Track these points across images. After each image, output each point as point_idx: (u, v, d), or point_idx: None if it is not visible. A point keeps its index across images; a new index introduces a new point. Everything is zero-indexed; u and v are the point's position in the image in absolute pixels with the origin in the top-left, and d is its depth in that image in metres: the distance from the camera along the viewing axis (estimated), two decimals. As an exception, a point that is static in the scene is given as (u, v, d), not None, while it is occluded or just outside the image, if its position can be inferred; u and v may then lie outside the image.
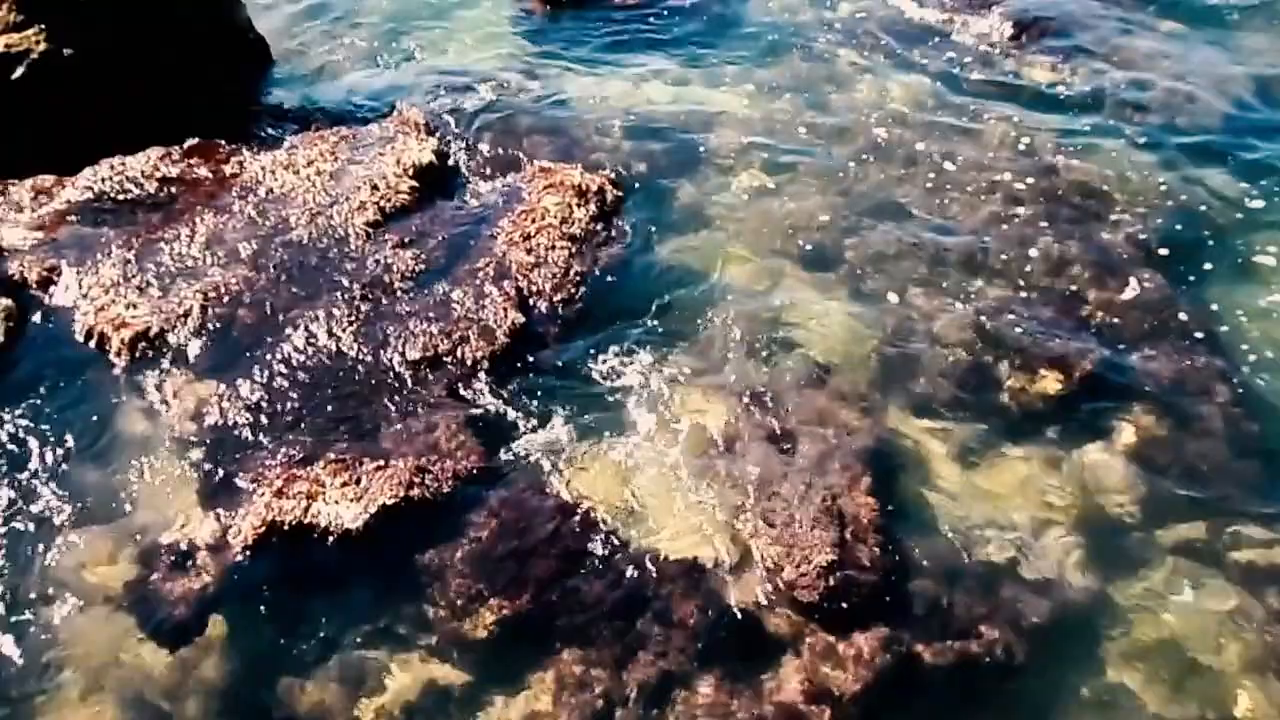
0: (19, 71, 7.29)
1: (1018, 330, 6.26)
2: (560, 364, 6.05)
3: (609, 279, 6.55)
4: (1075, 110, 8.28)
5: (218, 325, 6.03)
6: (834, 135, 7.97)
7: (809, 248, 6.92)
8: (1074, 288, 6.61)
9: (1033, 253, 6.84)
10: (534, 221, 6.69)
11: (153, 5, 7.61)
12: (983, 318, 6.35)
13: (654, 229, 6.99)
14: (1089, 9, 9.51)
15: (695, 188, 7.40)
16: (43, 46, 7.32)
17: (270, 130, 7.84)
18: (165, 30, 7.69)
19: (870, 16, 9.49)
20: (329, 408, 5.66)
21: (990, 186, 7.41)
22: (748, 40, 9.18)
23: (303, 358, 5.85)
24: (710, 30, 9.35)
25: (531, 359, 6.03)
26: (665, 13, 9.52)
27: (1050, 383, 6.01)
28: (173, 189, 6.93)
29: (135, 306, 6.11)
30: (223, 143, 7.33)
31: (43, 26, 7.34)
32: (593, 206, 6.88)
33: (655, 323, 6.35)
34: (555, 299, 6.33)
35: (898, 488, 5.52)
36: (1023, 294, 6.56)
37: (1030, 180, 7.43)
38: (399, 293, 6.22)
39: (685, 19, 9.48)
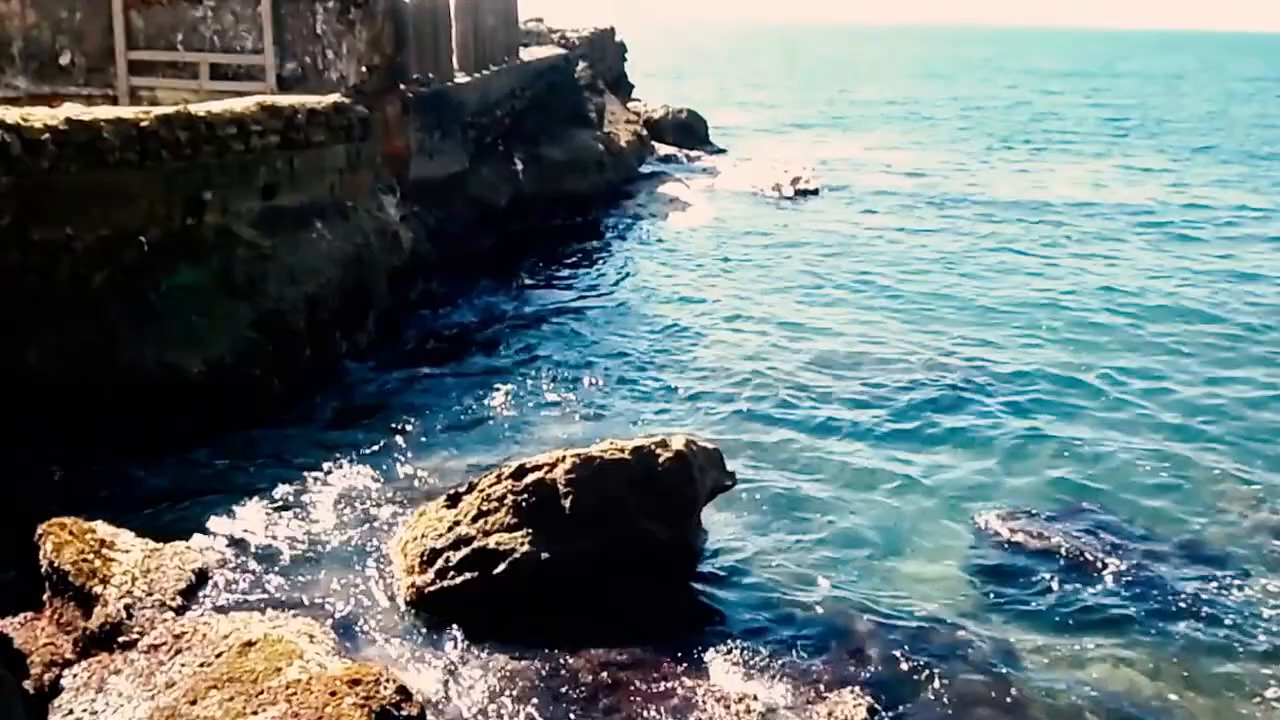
0: (500, 567, 8.05)
1: None
2: None
3: None
4: None
5: None
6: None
7: None
8: None
9: None
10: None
11: (629, 528, 8.22)
12: None
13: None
14: None
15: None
16: (525, 548, 8.07)
17: (712, 641, 7.77)
18: (634, 547, 8.25)
19: None
20: None
21: None
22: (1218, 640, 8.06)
23: None
24: (1162, 607, 8.41)
25: None
26: (1114, 582, 8.72)
27: None
28: (606, 694, 7.03)
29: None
30: (665, 657, 7.43)
31: (530, 531, 8.14)
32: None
33: None
34: None
35: None
36: None
37: None
38: None
39: (1139, 599, 8.59)
